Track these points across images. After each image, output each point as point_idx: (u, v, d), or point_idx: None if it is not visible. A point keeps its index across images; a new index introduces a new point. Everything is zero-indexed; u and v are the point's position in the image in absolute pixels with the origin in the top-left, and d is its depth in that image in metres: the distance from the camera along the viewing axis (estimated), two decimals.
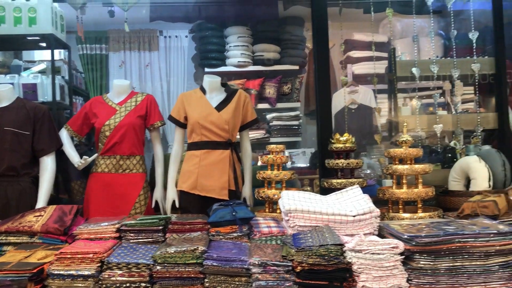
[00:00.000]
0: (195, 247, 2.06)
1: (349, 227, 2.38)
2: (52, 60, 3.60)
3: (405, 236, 2.11)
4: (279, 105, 5.80)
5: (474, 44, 3.54)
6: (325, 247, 2.04)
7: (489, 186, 2.98)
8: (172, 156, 3.11)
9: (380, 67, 4.03)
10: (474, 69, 3.51)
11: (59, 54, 4.79)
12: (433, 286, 2.04)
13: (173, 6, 4.37)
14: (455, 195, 3.02)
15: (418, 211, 2.86)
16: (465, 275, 2.06)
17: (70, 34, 4.66)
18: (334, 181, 2.95)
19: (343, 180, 2.94)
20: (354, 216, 2.37)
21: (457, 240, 2.07)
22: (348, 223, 2.37)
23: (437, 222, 2.40)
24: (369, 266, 2.05)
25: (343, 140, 3.02)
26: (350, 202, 2.54)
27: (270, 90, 5.91)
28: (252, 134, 5.58)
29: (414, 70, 3.50)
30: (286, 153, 5.84)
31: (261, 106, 5.58)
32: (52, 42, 3.58)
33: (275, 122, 5.72)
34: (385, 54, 5.13)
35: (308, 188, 3.95)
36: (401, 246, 2.08)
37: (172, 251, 2.04)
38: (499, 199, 2.57)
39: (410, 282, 2.05)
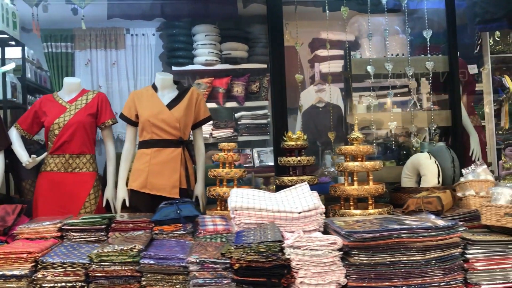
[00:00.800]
0: (133, 245, 2.04)
1: (295, 224, 2.37)
2: (3, 58, 3.52)
3: (343, 232, 2.11)
4: (248, 104, 5.79)
5: (428, 43, 3.59)
6: (264, 244, 2.04)
7: (438, 182, 3.02)
8: (123, 154, 3.07)
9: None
10: (428, 67, 3.55)
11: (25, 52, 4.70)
12: (371, 281, 2.06)
13: (131, 4, 4.32)
14: (405, 192, 3.05)
15: (369, 208, 2.88)
16: (403, 270, 2.08)
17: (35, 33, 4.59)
18: (286, 178, 2.95)
19: (294, 178, 2.94)
20: (299, 213, 2.37)
21: (395, 235, 2.09)
22: (294, 219, 2.37)
23: (383, 218, 2.42)
24: (307, 262, 2.05)
25: (294, 138, 3.02)
26: (298, 199, 2.54)
27: (238, 89, 5.90)
28: (220, 133, 5.58)
29: (368, 68, 3.52)
30: (255, 151, 5.87)
31: (229, 104, 5.58)
32: (2, 40, 3.50)
33: (243, 121, 5.72)
34: (352, 52, 5.17)
35: (263, 187, 3.95)
36: (340, 242, 2.09)
37: (109, 250, 2.02)
38: (443, 195, 2.61)
39: (348, 278, 2.06)
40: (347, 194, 2.87)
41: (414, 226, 2.13)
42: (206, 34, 5.40)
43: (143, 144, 3.00)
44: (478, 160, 3.57)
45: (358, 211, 2.85)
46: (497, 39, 6.51)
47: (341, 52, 5.33)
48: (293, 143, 3.02)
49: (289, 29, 6.04)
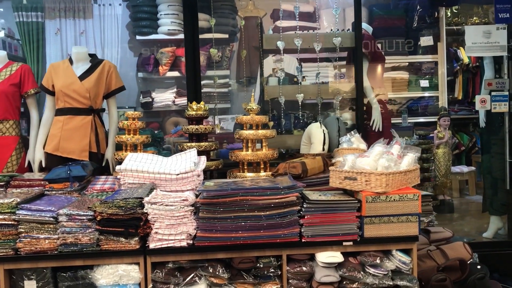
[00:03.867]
0: (12, 199, 2.40)
1: (174, 184, 2.70)
2: None
3: (199, 190, 2.46)
4: (209, 73, 6.07)
5: (337, 19, 3.83)
6: (125, 200, 2.39)
7: (323, 149, 3.34)
8: (42, 121, 3.41)
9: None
10: (335, 43, 3.81)
11: None
12: (218, 232, 2.41)
13: None
14: (294, 157, 3.37)
15: (261, 171, 3.21)
16: (246, 223, 2.43)
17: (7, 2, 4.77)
18: (185, 144, 3.28)
19: (193, 144, 3.27)
20: (177, 174, 2.70)
21: (240, 194, 2.42)
22: (173, 180, 2.70)
23: (249, 179, 2.76)
24: (162, 216, 2.41)
25: (195, 108, 3.34)
26: (182, 163, 2.87)
27: (200, 58, 6.17)
28: (182, 100, 5.89)
29: (279, 43, 3.79)
30: (217, 119, 6.19)
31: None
32: None
33: (205, 89, 6.01)
34: (310, 24, 5.36)
35: None
36: (191, 199, 2.43)
37: None
38: (311, 160, 2.93)
39: (198, 229, 2.42)
40: (241, 158, 3.20)
41: (257, 187, 2.47)
42: (169, 4, 5.59)
43: (58, 112, 3.34)
44: (379, 129, 3.88)
45: (251, 174, 3.19)
46: (455, 11, 6.69)
47: (300, 23, 5.58)
48: (193, 112, 3.33)
49: (253, 0, 6.29)
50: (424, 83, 6.92)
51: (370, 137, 3.95)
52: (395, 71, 7.00)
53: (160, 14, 5.59)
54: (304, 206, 2.46)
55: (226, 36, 5.85)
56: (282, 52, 3.81)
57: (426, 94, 6.84)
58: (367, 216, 2.46)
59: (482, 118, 4.23)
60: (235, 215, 2.42)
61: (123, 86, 3.51)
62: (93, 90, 3.31)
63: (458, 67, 6.89)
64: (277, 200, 2.43)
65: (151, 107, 6.00)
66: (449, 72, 6.84)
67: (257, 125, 3.24)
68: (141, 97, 6.10)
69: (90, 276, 2.39)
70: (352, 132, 3.16)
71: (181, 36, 5.70)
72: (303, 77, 4.77)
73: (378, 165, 2.50)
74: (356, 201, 2.47)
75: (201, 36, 5.88)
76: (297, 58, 5.80)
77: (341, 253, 2.48)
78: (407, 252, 2.52)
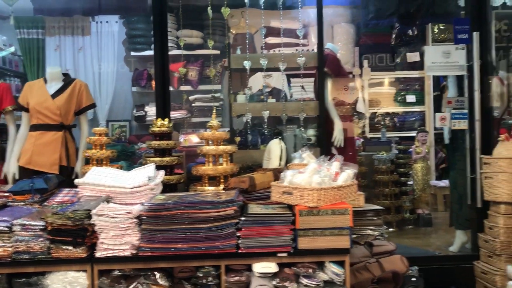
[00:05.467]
0: None
1: (129, 197, 2.87)
2: None
3: (143, 204, 2.65)
4: (201, 87, 6.33)
5: (301, 41, 4.01)
6: (74, 211, 2.58)
7: (280, 165, 3.50)
8: (18, 136, 3.65)
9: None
10: (299, 62, 3.98)
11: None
12: (159, 243, 2.58)
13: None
14: (253, 171, 3.53)
15: (221, 185, 3.39)
16: (188, 235, 2.59)
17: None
18: (149, 159, 3.48)
19: (156, 159, 3.46)
20: (131, 188, 2.89)
21: (182, 207, 2.60)
22: (127, 194, 2.87)
23: (195, 194, 2.94)
24: (108, 227, 2.59)
25: (158, 125, 3.53)
26: (139, 177, 3.06)
27: (192, 73, 6.45)
28: (174, 114, 6.13)
29: (245, 63, 3.98)
30: None
31: (184, 88, 6.11)
32: None
33: (197, 103, 6.27)
34: (298, 41, 5.54)
35: None
36: (135, 211, 2.62)
37: None
38: (260, 175, 3.09)
39: (142, 240, 2.60)
40: (201, 173, 3.39)
41: (198, 201, 2.64)
42: None
43: (31, 128, 3.58)
44: (340, 145, 4.03)
45: (211, 187, 3.37)
46: (441, 28, 6.82)
47: (289, 40, 5.77)
48: (157, 129, 3.53)
49: (245, 17, 6.54)
50: (411, 98, 7.05)
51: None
52: (382, 86, 7.15)
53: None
54: (242, 219, 2.62)
55: (218, 52, 6.08)
56: (248, 71, 4.00)
57: (413, 109, 6.97)
58: (301, 229, 2.61)
59: (446, 135, 4.35)
60: (176, 227, 2.59)
61: (94, 103, 3.74)
62: (64, 108, 3.54)
63: (445, 82, 6.98)
64: (216, 214, 2.60)
65: (144, 121, 6.26)
66: (436, 87, 6.95)
67: (218, 140, 3.43)
68: (135, 110, 6.38)
69: (42, 283, 2.58)
70: (303, 148, 3.32)
71: (174, 52, 5.98)
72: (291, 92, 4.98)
73: (312, 181, 2.66)
74: (291, 215, 2.63)
75: (193, 52, 6.19)
76: (286, 75, 6.04)
77: (279, 264, 2.63)
78: (342, 264, 2.66)
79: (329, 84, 4.07)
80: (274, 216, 2.63)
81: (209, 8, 3.98)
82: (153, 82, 6.05)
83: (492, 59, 4.00)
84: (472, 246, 4.12)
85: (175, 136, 6.04)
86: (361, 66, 6.95)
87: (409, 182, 5.67)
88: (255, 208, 2.75)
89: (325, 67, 4.05)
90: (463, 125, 3.96)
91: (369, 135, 6.66)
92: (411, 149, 5.77)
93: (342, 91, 4.29)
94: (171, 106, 5.84)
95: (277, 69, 4.01)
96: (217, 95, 6.26)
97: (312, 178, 2.66)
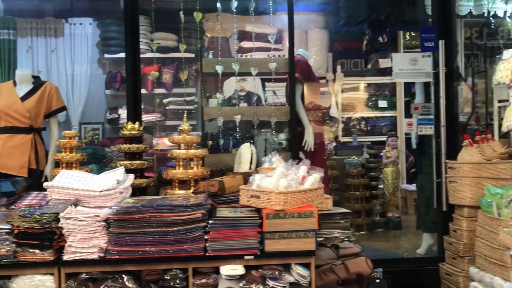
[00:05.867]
0: None
1: (98, 201, 2.87)
2: None
3: (111, 207, 2.66)
4: (176, 90, 6.33)
5: (272, 46, 4.07)
6: (42, 215, 2.58)
7: (250, 169, 3.55)
8: None
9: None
10: (270, 67, 4.04)
11: None
12: (127, 246, 2.60)
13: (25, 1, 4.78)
14: (223, 175, 3.57)
15: (191, 189, 3.41)
16: (156, 238, 2.61)
17: None
18: (120, 162, 3.48)
19: (126, 162, 3.46)
20: (100, 191, 2.89)
21: (150, 211, 2.62)
22: (96, 197, 2.88)
23: (164, 198, 2.96)
24: (75, 230, 2.60)
25: (129, 128, 3.54)
26: (110, 180, 3.06)
27: (166, 76, 6.46)
28: (148, 117, 6.13)
29: (217, 67, 4.02)
30: None
31: (158, 91, 6.10)
32: None
33: (171, 106, 6.27)
34: (273, 45, 5.60)
35: None
36: (102, 215, 2.63)
37: None
38: (230, 179, 3.14)
39: (109, 243, 2.61)
40: (171, 177, 3.40)
41: (167, 204, 2.67)
42: None
43: (0, 130, 3.54)
44: (310, 149, 4.10)
45: (182, 191, 3.39)
46: (413, 34, 6.97)
47: (263, 44, 5.82)
48: (127, 132, 3.54)
49: (221, 21, 6.56)
50: (383, 103, 7.19)
51: (304, 157, 4.18)
52: (355, 91, 7.28)
53: None
54: (210, 222, 2.65)
55: (193, 55, 6.10)
56: (220, 75, 4.04)
57: (385, 114, 7.11)
58: (268, 232, 2.66)
59: (413, 140, 4.46)
60: (144, 230, 2.61)
61: (64, 106, 3.73)
62: (34, 110, 3.52)
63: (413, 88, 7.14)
64: (184, 217, 2.63)
65: (117, 123, 6.24)
66: (407, 93, 7.09)
67: (189, 144, 3.45)
68: (108, 113, 6.35)
69: (8, 286, 2.56)
70: (272, 152, 3.37)
71: (149, 54, 5.98)
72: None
73: (279, 184, 2.71)
74: (258, 218, 2.67)
75: (168, 55, 6.20)
76: (260, 78, 6.10)
77: (246, 266, 2.67)
78: (308, 266, 2.72)
79: (302, 89, 4.13)
80: (242, 219, 2.67)
81: (181, 12, 4.00)
82: None
83: (459, 66, 4.12)
84: (438, 248, 4.22)
85: (148, 140, 6.04)
86: (334, 71, 7.09)
87: (379, 186, 5.79)
88: (223, 212, 2.79)
89: (296, 72, 4.12)
90: (429, 130, 4.07)
91: (343, 139, 6.78)
92: (381, 154, 5.89)
93: (318, 96, 4.36)
94: (144, 109, 5.88)
95: (250, 74, 4.05)
96: (189, 98, 6.30)
97: (279, 181, 2.71)
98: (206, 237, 2.64)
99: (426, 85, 4.31)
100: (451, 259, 3.77)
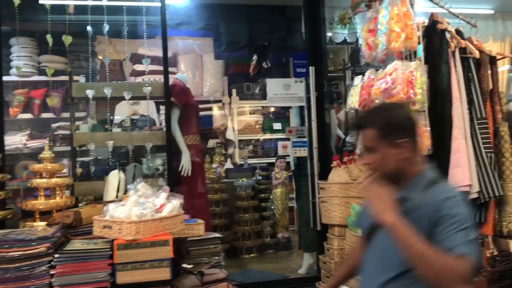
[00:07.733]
0: None
1: None
2: None
3: None
4: (65, 115, 6.01)
5: (147, 69, 4.02)
6: None
7: (117, 196, 3.44)
8: None
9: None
10: (145, 91, 3.97)
11: None
12: None
13: None
14: (91, 205, 3.43)
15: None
16: None
17: None
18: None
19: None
20: None
21: None
22: None
23: (9, 231, 2.77)
24: None
25: None
26: None
27: (54, 100, 6.12)
28: (35, 143, 5.77)
29: (88, 91, 3.88)
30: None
31: (45, 115, 5.77)
32: None
33: (59, 131, 5.93)
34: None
35: None
36: None
37: None
38: (88, 209, 3.01)
39: None
40: (30, 207, 3.20)
41: (9, 239, 2.49)
42: (22, 47, 5.56)
43: None
44: (188, 173, 4.07)
45: (43, 223, 3.19)
46: None
47: (157, 67, 5.72)
48: None
49: (113, 44, 6.38)
50: (277, 125, 7.36)
51: (182, 182, 4.14)
52: (250, 114, 7.39)
53: (12, 56, 5.54)
54: (56, 256, 2.50)
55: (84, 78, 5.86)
56: (91, 99, 3.91)
57: (279, 136, 7.27)
58: (120, 263, 2.55)
59: (292, 162, 4.58)
60: None
61: None
62: None
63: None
64: (26, 252, 2.46)
65: None
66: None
67: (51, 173, 3.28)
68: None
69: None
70: (138, 180, 3.28)
71: (36, 78, 5.68)
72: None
73: (132, 213, 2.63)
74: (109, 249, 2.56)
75: (57, 78, 5.90)
76: (155, 102, 6.00)
77: None
78: None
79: (178, 113, 4.11)
80: (90, 252, 2.54)
81: (48, 35, 3.85)
82: (12, 109, 5.72)
83: (328, 90, 4.31)
84: (317, 267, 4.33)
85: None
86: (230, 95, 7.17)
87: (271, 207, 5.87)
88: (76, 244, 2.65)
89: (172, 96, 4.09)
90: (303, 152, 4.20)
91: (240, 162, 6.82)
92: (271, 175, 5.99)
93: None
94: (31, 134, 5.56)
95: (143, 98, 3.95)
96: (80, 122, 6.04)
97: (132, 210, 2.63)
98: (52, 272, 2.49)
99: (302, 108, 4.46)
100: (325, 278, 3.86)
